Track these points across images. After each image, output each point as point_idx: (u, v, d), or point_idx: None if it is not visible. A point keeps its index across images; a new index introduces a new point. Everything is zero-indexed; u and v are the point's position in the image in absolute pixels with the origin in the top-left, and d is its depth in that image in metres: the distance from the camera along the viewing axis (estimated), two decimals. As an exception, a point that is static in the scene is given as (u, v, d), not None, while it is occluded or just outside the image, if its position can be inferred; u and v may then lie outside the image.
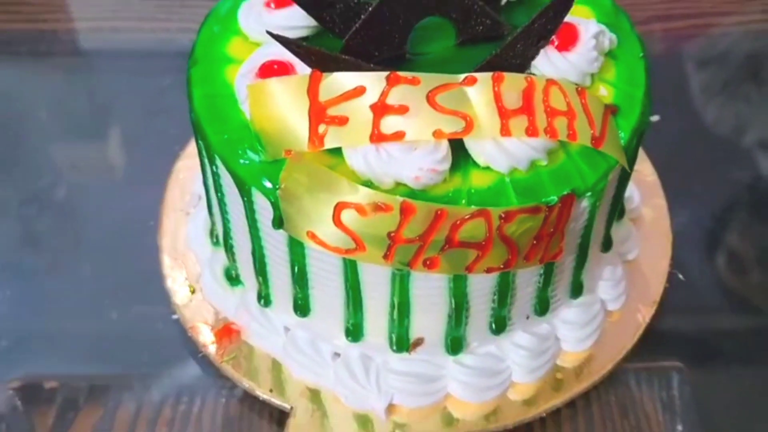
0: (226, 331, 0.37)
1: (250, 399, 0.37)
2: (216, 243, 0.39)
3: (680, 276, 0.41)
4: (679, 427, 0.39)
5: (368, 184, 0.29)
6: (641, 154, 0.43)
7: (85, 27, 0.58)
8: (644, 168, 0.43)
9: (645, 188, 0.42)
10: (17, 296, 0.43)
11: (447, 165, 0.30)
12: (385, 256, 0.30)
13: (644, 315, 0.38)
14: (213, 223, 0.38)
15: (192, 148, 0.45)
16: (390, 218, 0.29)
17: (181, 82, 0.50)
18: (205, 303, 0.38)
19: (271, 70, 0.32)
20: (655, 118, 0.50)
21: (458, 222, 0.29)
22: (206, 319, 0.38)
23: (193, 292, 0.39)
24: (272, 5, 0.34)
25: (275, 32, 0.31)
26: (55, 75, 0.55)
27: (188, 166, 0.43)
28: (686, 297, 0.41)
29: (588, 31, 0.33)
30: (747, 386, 0.41)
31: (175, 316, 0.39)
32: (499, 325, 0.34)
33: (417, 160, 0.29)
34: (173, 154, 0.45)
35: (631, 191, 0.40)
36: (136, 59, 0.55)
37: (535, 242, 0.31)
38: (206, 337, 0.37)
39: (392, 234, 0.29)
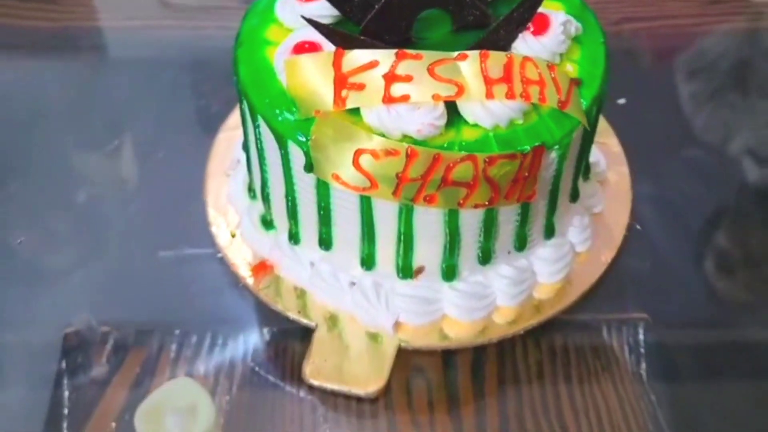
0: (261, 267, 0.45)
1: (281, 321, 0.44)
2: (253, 197, 0.46)
3: (638, 227, 0.49)
4: (643, 365, 0.46)
5: (381, 135, 0.37)
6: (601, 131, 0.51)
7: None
8: (611, 142, 0.51)
9: (610, 158, 0.50)
10: (78, 246, 0.51)
11: (443, 121, 0.38)
12: (394, 193, 0.38)
13: (606, 257, 0.46)
14: (251, 180, 0.46)
15: (229, 122, 0.53)
16: (398, 161, 0.37)
17: (211, 75, 0.58)
18: (243, 245, 0.46)
19: (303, 48, 0.40)
20: (621, 101, 0.58)
21: (451, 165, 0.37)
22: (245, 257, 0.46)
23: (233, 236, 0.47)
24: (303, -1, 0.42)
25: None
26: (88, 62, 0.64)
27: (227, 137, 0.51)
28: (643, 245, 0.49)
29: (557, 20, 0.41)
30: (702, 331, 0.48)
31: (219, 255, 0.47)
32: (486, 256, 0.42)
33: (419, 117, 0.37)
34: (214, 129, 0.53)
35: (598, 158, 0.48)
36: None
37: (513, 184, 0.39)
38: (245, 272, 0.45)
39: (399, 174, 0.37)
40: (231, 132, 0.51)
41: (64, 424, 0.44)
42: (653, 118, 0.56)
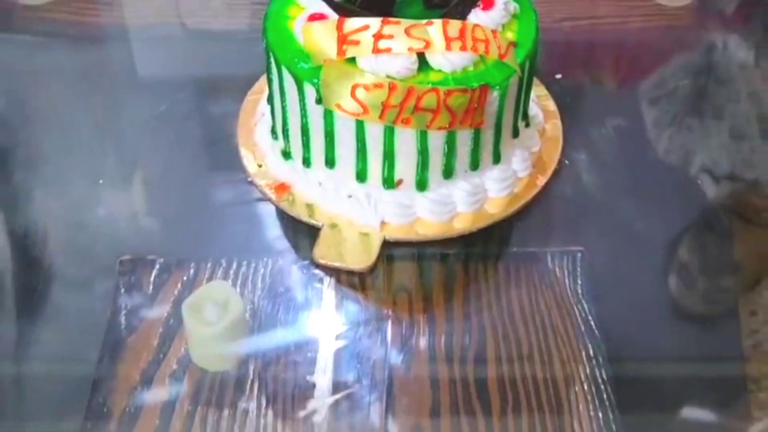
0: (281, 187, 0.60)
1: (296, 224, 0.59)
2: (275, 137, 0.61)
3: (566, 161, 0.63)
4: (579, 284, 0.60)
5: (371, 74, 0.52)
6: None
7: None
8: (548, 104, 0.67)
9: (547, 114, 0.65)
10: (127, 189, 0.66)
11: (415, 66, 0.53)
12: (380, 117, 0.53)
13: (540, 181, 0.60)
14: (273, 124, 0.61)
15: (256, 87, 0.69)
16: (382, 92, 0.52)
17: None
18: (267, 172, 0.61)
19: (314, 18, 0.55)
20: (558, 76, 0.73)
21: (420, 95, 0.52)
22: (268, 181, 0.61)
23: (260, 166, 0.61)
24: (315, -12, 0.57)
25: (318, -2, 0.55)
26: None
27: (254, 99, 0.66)
28: (572, 176, 0.63)
29: (500, 1, 0.56)
30: (626, 262, 0.62)
31: (249, 179, 0.61)
32: (448, 172, 0.57)
33: (399, 63, 0.52)
34: (243, 92, 0.69)
35: (537, 112, 0.63)
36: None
37: (466, 112, 0.53)
38: (268, 191, 0.60)
39: (384, 102, 0.52)
40: (254, 96, 0.66)
41: (122, 328, 0.57)
42: (584, 89, 0.72)
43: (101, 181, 0.65)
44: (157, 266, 0.60)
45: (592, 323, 0.56)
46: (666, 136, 0.72)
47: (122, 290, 0.59)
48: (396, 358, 0.54)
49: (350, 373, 0.54)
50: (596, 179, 0.64)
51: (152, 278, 0.60)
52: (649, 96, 0.76)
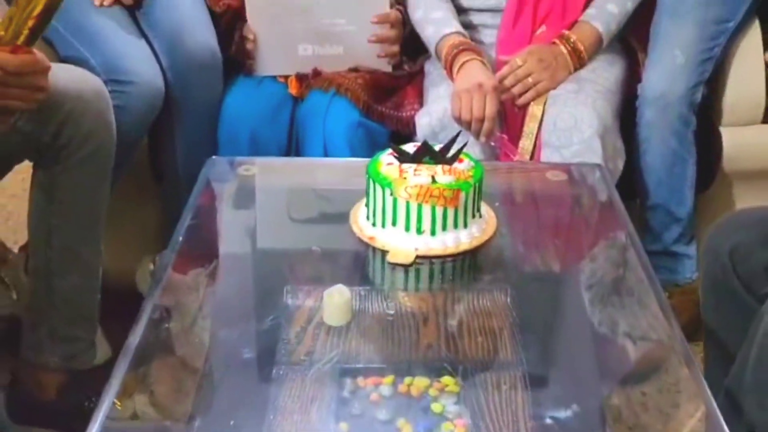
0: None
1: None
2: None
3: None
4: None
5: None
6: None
7: None
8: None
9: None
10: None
11: (430, 181, 1.29)
12: (416, 199, 1.29)
13: (486, 237, 1.36)
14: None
15: None
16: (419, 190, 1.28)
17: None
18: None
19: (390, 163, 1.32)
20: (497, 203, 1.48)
21: (433, 190, 1.28)
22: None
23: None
24: None
25: None
26: None
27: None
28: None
29: (466, 160, 1.33)
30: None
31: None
32: (444, 227, 1.32)
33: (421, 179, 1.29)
34: None
35: (486, 209, 1.39)
36: None
37: (452, 199, 1.29)
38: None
39: (418, 194, 1.28)
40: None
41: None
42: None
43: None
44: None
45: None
46: (598, 311, 1.23)
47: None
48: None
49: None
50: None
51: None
52: (585, 284, 1.31)
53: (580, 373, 1.20)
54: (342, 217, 1.38)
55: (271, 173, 1.62)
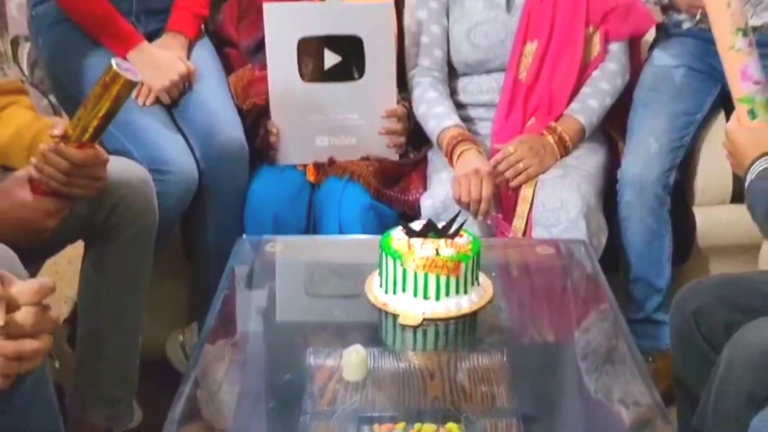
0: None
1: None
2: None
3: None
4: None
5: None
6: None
7: None
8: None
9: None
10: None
11: (434, 253, 1.50)
12: (422, 269, 1.50)
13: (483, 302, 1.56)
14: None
15: None
16: (427, 262, 1.49)
17: None
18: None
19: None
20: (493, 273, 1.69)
21: (436, 261, 1.49)
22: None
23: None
24: None
25: None
26: None
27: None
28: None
29: (466, 235, 1.55)
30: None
31: (372, 299, 1.57)
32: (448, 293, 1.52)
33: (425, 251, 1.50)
34: None
35: (484, 278, 1.59)
36: None
37: (454, 269, 1.50)
38: (379, 303, 1.56)
39: (424, 264, 1.49)
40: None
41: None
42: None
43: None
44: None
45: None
46: (583, 371, 1.39)
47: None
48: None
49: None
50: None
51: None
52: (571, 348, 1.52)
53: (566, 418, 1.39)
54: (357, 287, 1.58)
55: (294, 250, 1.83)
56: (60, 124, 1.49)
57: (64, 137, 1.46)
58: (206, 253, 2.03)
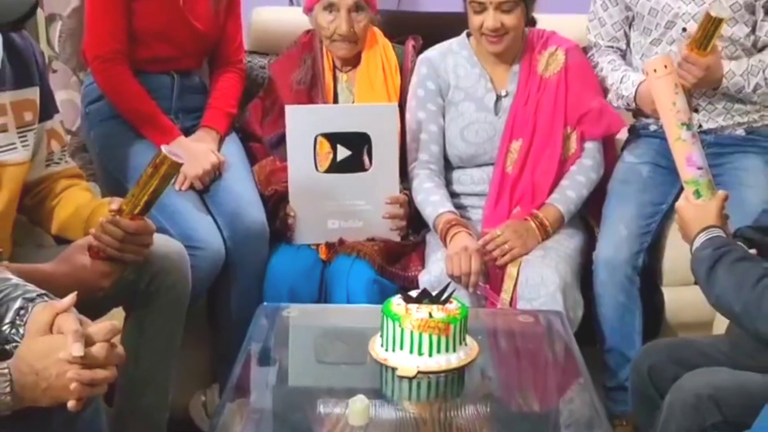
0: (385, 358, 1.82)
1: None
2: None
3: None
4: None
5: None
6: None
7: None
8: (475, 340, 1.89)
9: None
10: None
11: (428, 315, 1.78)
12: (417, 329, 1.77)
13: (471, 357, 1.82)
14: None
15: None
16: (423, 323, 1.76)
17: None
18: (380, 354, 1.83)
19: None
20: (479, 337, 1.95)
21: (433, 323, 1.76)
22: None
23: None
24: None
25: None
26: None
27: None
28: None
29: (455, 301, 1.82)
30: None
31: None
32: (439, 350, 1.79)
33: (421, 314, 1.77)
34: None
35: (471, 340, 1.86)
36: None
37: (445, 329, 1.77)
38: (380, 359, 1.82)
39: (419, 325, 1.76)
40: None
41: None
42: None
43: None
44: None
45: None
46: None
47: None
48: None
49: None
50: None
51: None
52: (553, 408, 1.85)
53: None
54: (362, 347, 1.84)
55: (307, 316, 2.10)
56: (115, 202, 1.79)
57: (119, 211, 1.73)
58: (229, 319, 2.30)
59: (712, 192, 1.68)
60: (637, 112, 2.44)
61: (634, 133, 2.48)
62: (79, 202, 1.85)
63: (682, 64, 2.08)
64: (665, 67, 1.71)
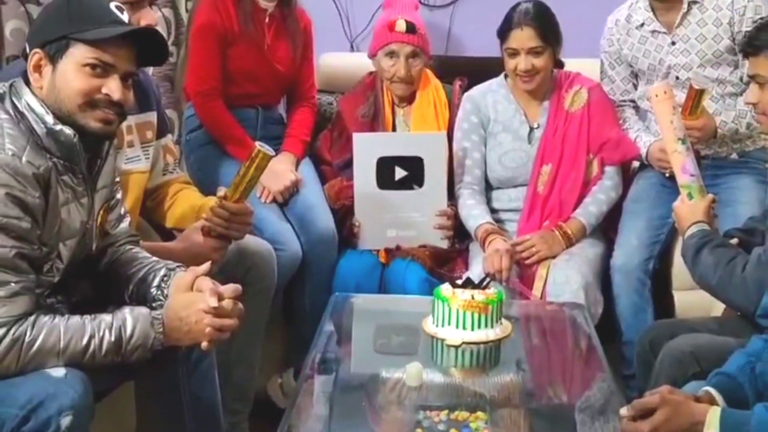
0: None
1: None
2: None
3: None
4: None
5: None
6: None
7: None
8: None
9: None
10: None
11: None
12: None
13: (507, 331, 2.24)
14: (433, 318, 2.27)
15: None
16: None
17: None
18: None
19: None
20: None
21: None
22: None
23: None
24: None
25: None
26: None
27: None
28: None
29: (493, 286, 2.25)
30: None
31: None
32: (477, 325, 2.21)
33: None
34: None
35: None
36: None
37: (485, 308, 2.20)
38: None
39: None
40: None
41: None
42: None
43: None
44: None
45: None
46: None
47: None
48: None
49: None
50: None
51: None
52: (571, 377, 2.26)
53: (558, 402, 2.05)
54: (417, 325, 2.26)
55: (370, 304, 2.54)
56: (221, 190, 2.13)
57: (224, 197, 2.12)
58: (303, 311, 2.74)
59: (702, 195, 2.08)
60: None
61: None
62: (191, 200, 2.28)
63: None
64: (665, 92, 2.13)
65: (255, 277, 2.38)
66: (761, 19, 2.47)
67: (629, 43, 2.69)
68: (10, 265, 1.58)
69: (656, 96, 2.12)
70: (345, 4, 3.38)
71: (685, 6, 2.56)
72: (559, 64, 2.77)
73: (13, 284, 1.58)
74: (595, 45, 2.89)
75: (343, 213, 2.69)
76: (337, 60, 3.21)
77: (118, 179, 2.04)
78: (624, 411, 1.60)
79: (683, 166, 2.08)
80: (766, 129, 2.03)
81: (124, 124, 2.01)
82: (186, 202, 2.25)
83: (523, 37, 2.52)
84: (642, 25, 2.65)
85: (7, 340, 1.56)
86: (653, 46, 2.63)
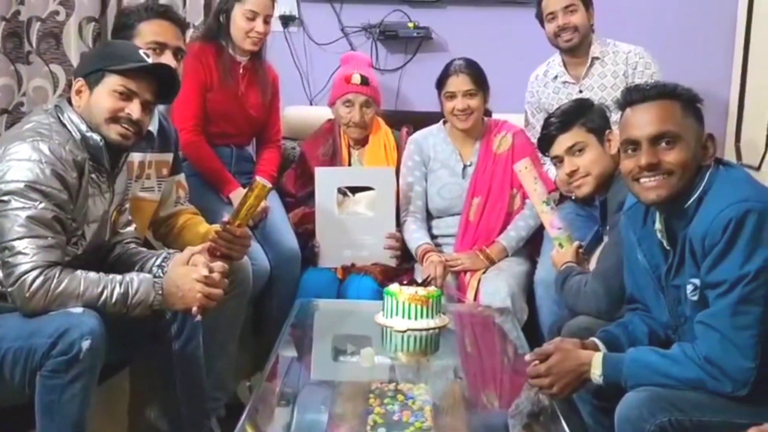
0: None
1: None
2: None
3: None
4: None
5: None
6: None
7: None
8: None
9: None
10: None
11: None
12: None
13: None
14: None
15: None
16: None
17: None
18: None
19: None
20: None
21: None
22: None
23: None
24: None
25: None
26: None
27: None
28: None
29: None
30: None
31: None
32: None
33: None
34: None
35: None
36: None
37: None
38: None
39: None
40: None
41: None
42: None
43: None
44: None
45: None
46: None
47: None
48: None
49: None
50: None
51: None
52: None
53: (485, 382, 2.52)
54: (369, 320, 2.73)
55: (330, 306, 3.00)
56: (225, 216, 2.51)
57: (228, 222, 2.44)
58: (270, 320, 3.16)
59: (570, 242, 2.62)
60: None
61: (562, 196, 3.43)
62: (198, 228, 2.66)
63: None
64: (526, 167, 2.72)
65: (235, 281, 2.81)
66: (649, 71, 3.08)
67: (546, 93, 3.26)
68: (48, 224, 1.99)
69: (520, 171, 2.72)
70: (306, 68, 3.94)
71: (588, 61, 3.14)
72: (488, 113, 3.32)
73: (49, 238, 1.98)
74: (519, 101, 3.48)
75: (306, 236, 3.09)
76: (299, 112, 3.70)
77: (129, 195, 2.51)
78: (528, 357, 2.08)
79: (551, 222, 2.65)
80: (590, 189, 2.54)
81: (146, 159, 2.55)
82: (193, 229, 2.65)
83: (459, 81, 3.02)
84: (556, 77, 3.22)
85: (40, 279, 1.94)
86: (564, 94, 3.18)
